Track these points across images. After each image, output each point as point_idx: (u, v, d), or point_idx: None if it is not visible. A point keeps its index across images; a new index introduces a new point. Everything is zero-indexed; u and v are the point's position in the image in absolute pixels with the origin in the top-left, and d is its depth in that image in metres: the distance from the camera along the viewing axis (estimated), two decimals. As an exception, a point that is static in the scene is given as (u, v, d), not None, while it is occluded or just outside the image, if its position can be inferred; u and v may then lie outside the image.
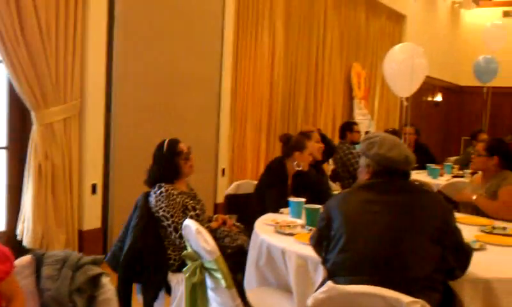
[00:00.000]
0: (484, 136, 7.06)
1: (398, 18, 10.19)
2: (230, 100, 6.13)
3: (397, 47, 4.79)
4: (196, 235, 2.38)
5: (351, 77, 8.83)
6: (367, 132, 9.02)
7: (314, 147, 4.36)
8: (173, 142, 3.21)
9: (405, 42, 10.26)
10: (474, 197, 3.76)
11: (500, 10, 13.98)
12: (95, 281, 1.98)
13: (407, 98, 4.40)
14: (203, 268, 2.45)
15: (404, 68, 4.35)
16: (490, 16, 13.83)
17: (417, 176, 5.92)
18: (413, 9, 10.66)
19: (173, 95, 5.31)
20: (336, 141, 7.03)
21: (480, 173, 4.05)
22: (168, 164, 3.16)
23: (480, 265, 2.41)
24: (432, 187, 5.48)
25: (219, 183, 6.08)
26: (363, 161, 2.36)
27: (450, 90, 13.45)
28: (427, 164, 6.06)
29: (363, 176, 2.39)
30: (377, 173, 2.26)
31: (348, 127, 6.33)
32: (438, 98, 12.71)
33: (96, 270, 2.00)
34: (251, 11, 6.28)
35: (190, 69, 5.48)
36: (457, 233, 2.23)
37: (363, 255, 2.08)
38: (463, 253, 2.21)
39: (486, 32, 7.66)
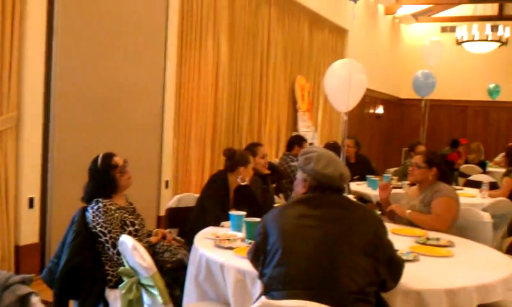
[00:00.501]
0: (421, 148, 7.29)
1: (340, 33, 10.43)
2: (174, 113, 6.10)
3: (337, 63, 4.90)
4: (132, 252, 2.35)
5: (295, 89, 8.95)
6: (311, 144, 9.17)
7: (260, 162, 4.44)
8: (108, 156, 3.17)
9: (347, 57, 10.58)
10: (408, 211, 3.86)
11: (438, 26, 14.56)
12: (23, 301, 1.92)
13: (346, 113, 4.51)
14: (140, 285, 2.42)
15: (344, 84, 4.46)
16: (429, 31, 14.39)
17: (357, 187, 6.06)
18: (354, 23, 10.93)
19: (114, 108, 5.24)
20: (281, 151, 7.11)
21: (417, 185, 4.18)
22: (103, 178, 3.11)
23: (413, 276, 2.49)
24: (371, 198, 5.64)
25: (163, 196, 6.03)
26: (299, 175, 2.40)
27: (391, 103, 13.85)
28: (367, 176, 6.19)
29: (299, 189, 2.43)
30: (313, 188, 2.31)
31: (298, 141, 6.40)
32: (380, 110, 13.06)
33: (25, 289, 1.93)
34: (194, 24, 6.28)
35: (132, 82, 5.43)
36: (389, 246, 2.29)
37: (298, 269, 2.11)
38: (395, 266, 2.27)
39: (424, 47, 7.94)
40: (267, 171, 4.59)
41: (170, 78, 5.95)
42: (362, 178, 6.39)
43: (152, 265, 2.32)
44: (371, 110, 12.70)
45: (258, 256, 2.29)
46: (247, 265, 2.46)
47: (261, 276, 2.26)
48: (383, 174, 6.93)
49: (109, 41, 5.14)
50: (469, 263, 2.91)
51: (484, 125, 14.40)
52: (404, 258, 2.79)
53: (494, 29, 10.39)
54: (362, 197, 5.79)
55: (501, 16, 13.24)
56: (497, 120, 14.26)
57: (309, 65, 9.38)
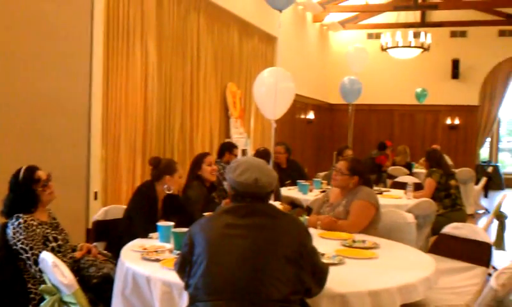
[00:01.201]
0: (349, 152, 7.49)
1: (270, 40, 10.54)
2: (101, 121, 5.95)
3: (266, 71, 4.95)
4: (52, 269, 2.27)
5: (226, 96, 8.96)
6: (244, 151, 9.21)
7: (207, 170, 4.48)
8: (30, 170, 3.06)
9: (276, 64, 10.69)
10: (319, 223, 3.92)
11: (364, 32, 15.02)
12: None
13: (275, 120, 4.56)
14: (62, 303, 2.34)
15: (272, 91, 4.50)
16: (355, 38, 14.81)
17: (288, 192, 6.14)
18: (283, 31, 11.07)
19: (36, 118, 5.04)
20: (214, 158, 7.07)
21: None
22: (24, 192, 3.00)
23: (338, 279, 2.54)
24: (302, 203, 5.72)
25: (92, 208, 5.85)
26: (226, 185, 2.41)
27: (321, 108, 14.14)
28: (298, 181, 6.28)
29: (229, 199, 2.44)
30: (235, 197, 2.32)
31: (228, 148, 6.41)
32: (311, 115, 13.29)
33: None
34: (121, 30, 6.17)
35: (55, 90, 5.25)
36: (313, 253, 2.31)
37: (222, 279, 2.11)
38: (319, 273, 2.30)
39: (348, 54, 8.16)
40: (214, 179, 4.58)
41: (96, 86, 5.80)
42: (293, 183, 6.48)
43: (73, 282, 2.25)
44: (302, 116, 12.91)
45: (184, 267, 2.27)
46: (174, 277, 2.43)
47: (187, 287, 2.24)
48: (312, 178, 7.05)
49: (30, 47, 4.95)
50: (392, 264, 3.01)
51: (410, 127, 14.97)
52: (330, 261, 2.85)
53: (416, 35, 10.82)
54: (293, 202, 5.87)
55: (423, 24, 13.81)
56: (422, 123, 14.86)
57: (240, 72, 9.42)
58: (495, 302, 2.52)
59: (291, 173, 6.91)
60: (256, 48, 10.00)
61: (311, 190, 6.17)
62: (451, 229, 3.70)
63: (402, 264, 3.04)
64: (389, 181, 8.79)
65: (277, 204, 3.37)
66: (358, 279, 2.66)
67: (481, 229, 3.62)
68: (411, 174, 9.33)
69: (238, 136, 9.21)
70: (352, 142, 14.16)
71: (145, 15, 6.58)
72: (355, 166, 4.14)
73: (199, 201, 4.15)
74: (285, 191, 6.17)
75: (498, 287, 2.47)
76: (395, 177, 8.43)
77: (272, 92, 4.48)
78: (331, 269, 2.65)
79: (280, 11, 4.42)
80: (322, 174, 7.85)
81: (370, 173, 9.60)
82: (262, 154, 6.10)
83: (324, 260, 2.82)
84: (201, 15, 7.94)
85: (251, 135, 10.03)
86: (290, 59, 11.52)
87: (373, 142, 12.02)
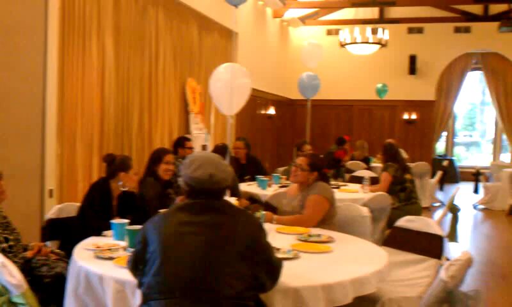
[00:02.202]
0: (307, 147, 7.55)
1: (230, 35, 10.51)
2: (57, 118, 5.82)
3: (221, 67, 4.93)
4: (0, 269, 2.22)
5: (186, 92, 8.90)
6: (204, 146, 9.18)
7: (162, 167, 4.45)
8: (-21, 169, 2.97)
9: (237, 59, 10.69)
10: (275, 217, 3.96)
11: (324, 28, 15.15)
12: None
13: (232, 116, 4.56)
14: (11, 304, 2.29)
15: (228, 87, 4.50)
16: (315, 34, 14.93)
17: (248, 187, 6.15)
18: (243, 26, 11.08)
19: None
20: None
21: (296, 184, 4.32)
22: (-27, 193, 2.92)
23: (292, 274, 2.57)
24: (260, 198, 5.74)
25: (47, 206, 5.72)
26: (180, 182, 2.40)
27: (282, 103, 14.20)
28: (257, 176, 6.30)
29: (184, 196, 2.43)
30: (189, 193, 2.31)
31: (179, 143, 6.37)
32: (271, 111, 13.34)
33: None
34: (77, 25, 6.04)
35: (8, 86, 5.11)
36: (267, 249, 2.32)
37: (176, 277, 2.10)
38: (273, 268, 2.31)
39: (303, 50, 8.21)
40: (168, 178, 4.53)
41: (51, 82, 5.67)
42: (253, 179, 6.50)
43: (22, 282, 2.20)
44: (263, 111, 12.94)
45: (137, 265, 2.25)
46: (127, 275, 2.41)
47: (140, 285, 2.22)
48: (273, 174, 7.08)
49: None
50: (346, 258, 3.06)
51: (368, 122, 15.20)
52: (286, 256, 2.88)
53: (374, 31, 10.98)
54: (252, 198, 5.89)
55: (381, 20, 14.05)
56: (380, 118, 15.11)
57: (199, 68, 9.37)
58: (445, 294, 2.58)
59: (250, 168, 6.93)
60: (216, 44, 9.96)
61: (270, 186, 6.19)
62: (404, 222, 3.78)
63: (356, 257, 3.09)
64: (347, 176, 8.91)
65: (233, 200, 3.37)
66: (312, 273, 2.69)
67: (433, 222, 3.70)
68: (369, 168, 9.48)
69: (198, 132, 9.17)
70: (312, 138, 14.34)
71: (102, 10, 6.47)
72: (315, 162, 4.21)
73: (153, 198, 4.11)
74: (244, 186, 6.18)
75: (448, 279, 2.53)
76: (354, 171, 8.54)
77: (228, 88, 4.47)
78: (286, 264, 2.67)
79: (236, 6, 4.41)
80: (281, 169, 7.90)
81: (329, 167, 9.77)
82: (220, 149, 6.09)
83: (280, 255, 2.84)
84: (159, 10, 7.86)
85: (211, 130, 10.00)
86: (251, 54, 11.53)
87: (333, 137, 12.16)
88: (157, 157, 4.49)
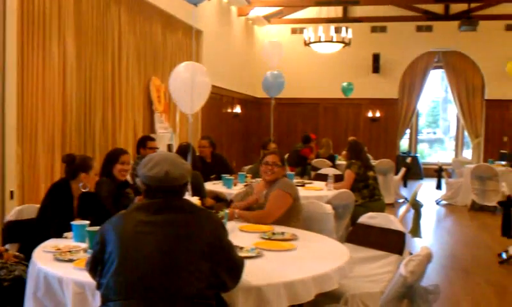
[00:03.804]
0: (273, 145, 7.58)
1: (195, 34, 10.45)
2: (17, 118, 5.70)
3: (181, 66, 4.90)
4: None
5: (150, 91, 8.82)
6: (169, 146, 9.11)
7: (117, 168, 4.39)
8: None
9: (202, 58, 10.67)
10: (237, 211, 3.98)
11: (289, 27, 15.22)
12: None
13: (192, 115, 4.53)
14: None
15: (188, 86, 4.47)
16: (280, 33, 15.00)
17: (213, 186, 6.14)
18: (208, 25, 11.05)
19: None
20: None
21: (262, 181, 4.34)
22: None
23: (255, 272, 2.57)
24: (226, 197, 5.73)
25: (8, 207, 5.59)
26: (137, 181, 2.37)
27: (248, 102, 14.22)
28: (222, 175, 6.29)
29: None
30: (147, 193, 2.29)
31: (142, 143, 6.31)
32: (238, 109, 13.33)
33: None
34: (37, 22, 5.92)
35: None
36: (228, 248, 2.31)
37: (135, 278, 2.08)
38: (234, 267, 2.30)
39: (264, 49, 8.23)
40: (123, 179, 4.47)
41: (10, 81, 5.54)
42: (219, 177, 6.48)
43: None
44: (229, 110, 12.93)
45: (96, 267, 2.22)
46: (86, 277, 2.37)
47: (99, 287, 2.19)
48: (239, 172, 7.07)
49: None
50: (309, 255, 3.08)
51: (334, 120, 15.36)
52: (248, 254, 2.89)
53: (338, 30, 11.08)
54: (217, 196, 5.88)
55: (345, 19, 14.20)
56: (346, 116, 15.28)
57: (164, 66, 9.30)
58: (405, 289, 2.63)
59: (216, 167, 6.91)
60: (180, 42, 9.90)
61: (235, 184, 6.19)
62: (366, 218, 3.83)
63: (318, 255, 3.11)
64: (313, 174, 8.98)
65: (194, 199, 3.35)
66: (275, 271, 2.70)
67: (395, 218, 3.76)
68: (334, 166, 9.58)
69: (163, 131, 9.10)
70: (279, 136, 14.44)
71: (62, 7, 6.35)
72: (282, 157, 4.35)
73: (107, 198, 4.05)
74: (210, 185, 6.17)
75: (408, 274, 2.57)
76: (319, 169, 8.61)
77: (188, 86, 4.44)
78: (249, 262, 2.68)
79: (196, 5, 4.38)
80: (247, 167, 7.91)
81: (295, 165, 9.83)
82: (184, 148, 6.05)
83: (242, 253, 2.85)
84: (122, 8, 7.76)
85: (176, 129, 9.94)
86: (216, 53, 11.50)
87: (299, 135, 12.22)
88: (113, 157, 4.44)
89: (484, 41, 14.31)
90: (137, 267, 2.09)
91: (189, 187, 3.82)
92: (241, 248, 2.96)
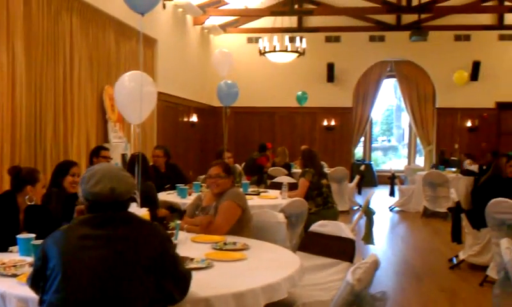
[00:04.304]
0: (228, 154, 7.59)
1: (149, 42, 10.39)
2: (-38, 128, 5.54)
3: (126, 75, 4.82)
4: None
5: (103, 99, 8.69)
6: (123, 155, 8.98)
7: (68, 180, 4.33)
8: None
9: (157, 67, 10.60)
10: (185, 226, 3.96)
11: (245, 36, 15.29)
12: None
13: (138, 125, 4.47)
14: None
15: (133, 96, 4.39)
16: (236, 42, 15.05)
17: (167, 196, 6.08)
18: (164, 33, 10.99)
19: None
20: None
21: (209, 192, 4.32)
22: None
23: (204, 283, 2.56)
24: (180, 207, 5.69)
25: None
26: (80, 196, 2.32)
27: (205, 111, 14.18)
28: (177, 185, 6.24)
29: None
30: (89, 208, 2.24)
31: (94, 153, 6.19)
32: (194, 118, 13.28)
33: None
34: (-16, 31, 5.77)
35: None
36: (175, 260, 2.29)
37: (77, 293, 2.03)
38: (181, 280, 2.28)
39: (214, 58, 8.24)
40: (74, 191, 4.39)
41: (-45, 91, 5.38)
42: (173, 187, 6.43)
43: None
44: (185, 119, 12.87)
45: (38, 282, 2.17)
46: (30, 292, 2.31)
47: (41, 303, 2.14)
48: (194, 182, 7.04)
49: None
50: (259, 265, 3.08)
51: (290, 129, 15.49)
52: (199, 265, 2.87)
53: (292, 40, 11.20)
54: (172, 206, 5.82)
55: (300, 29, 14.38)
56: (301, 124, 15.43)
57: (117, 75, 9.09)
58: (352, 296, 2.65)
59: (171, 177, 6.85)
60: (134, 51, 9.79)
61: (190, 194, 6.14)
62: (317, 227, 3.87)
63: (269, 264, 3.12)
64: (269, 182, 9.02)
65: (143, 211, 3.31)
66: (224, 281, 2.69)
67: (345, 226, 3.80)
68: (290, 174, 9.65)
69: (117, 141, 8.97)
70: (237, 145, 14.46)
71: (11, 14, 6.20)
72: (228, 167, 4.28)
73: (57, 211, 3.97)
74: (164, 195, 6.11)
75: (355, 281, 2.60)
76: (275, 177, 8.66)
77: (133, 96, 4.38)
78: (199, 273, 2.67)
79: (142, 14, 4.33)
80: (202, 177, 7.87)
81: (252, 174, 9.86)
82: (136, 159, 5.98)
83: (193, 265, 2.83)
84: (74, 15, 7.63)
85: (131, 139, 9.81)
86: (172, 61, 11.44)
87: (256, 144, 12.26)
88: (63, 168, 4.37)
89: (434, 51, 14.74)
90: (80, 283, 2.04)
91: (138, 198, 3.75)
92: (192, 259, 2.94)
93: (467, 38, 14.84)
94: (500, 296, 3.31)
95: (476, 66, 14.51)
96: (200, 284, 2.49)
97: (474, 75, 14.58)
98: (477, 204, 6.36)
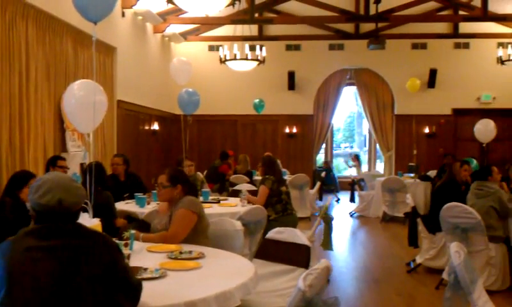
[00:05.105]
0: (188, 163, 7.57)
1: (108, 50, 10.29)
2: None
3: (75, 84, 4.77)
4: None
5: (61, 108, 8.55)
6: (81, 164, 8.85)
7: (26, 192, 4.20)
8: None
9: (116, 75, 10.50)
10: (141, 235, 3.95)
11: (206, 44, 15.30)
12: None
13: (89, 134, 4.42)
14: None
15: (83, 105, 4.35)
16: (198, 50, 15.05)
17: (125, 206, 6.03)
18: (123, 41, 10.90)
19: None
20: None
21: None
22: None
23: (157, 293, 2.56)
24: (138, 216, 5.64)
25: None
26: (28, 206, 2.30)
27: (166, 119, 14.10)
28: (135, 194, 6.18)
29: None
30: (37, 218, 2.21)
31: (51, 163, 6.10)
32: (155, 126, 13.19)
33: None
34: None
35: None
36: (125, 271, 2.29)
37: (25, 306, 2.00)
38: (131, 290, 2.28)
39: (172, 67, 8.26)
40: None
41: None
42: (132, 196, 6.37)
43: None
44: (147, 127, 12.77)
45: (-16, 295, 2.12)
46: (-24, 306, 2.27)
47: (-14, 318, 2.10)
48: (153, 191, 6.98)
49: None
50: (213, 273, 3.09)
51: (252, 137, 15.54)
52: (152, 275, 2.86)
53: (252, 48, 11.26)
54: (129, 216, 5.77)
55: (261, 37, 14.47)
56: (263, 132, 15.51)
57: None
58: (304, 303, 2.68)
59: (130, 186, 6.79)
60: (92, 59, 9.68)
61: (149, 203, 6.11)
62: (274, 234, 3.90)
63: (223, 272, 3.13)
64: (231, 189, 9.03)
65: (95, 221, 3.28)
66: (177, 291, 2.69)
67: (301, 233, 3.85)
68: (252, 181, 9.69)
69: (76, 150, 8.84)
70: (199, 153, 14.43)
71: (-37, 21, 6.07)
72: (175, 175, 4.18)
73: (12, 222, 3.90)
74: (122, 205, 6.05)
75: (306, 288, 2.63)
76: (236, 185, 8.68)
77: (83, 105, 4.34)
78: (152, 283, 2.66)
79: (95, 23, 4.30)
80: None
81: (213, 182, 9.86)
82: (91, 168, 5.92)
83: (146, 275, 2.83)
84: (29, 23, 7.50)
85: (91, 148, 9.68)
86: (132, 69, 11.35)
87: (219, 152, 12.26)
88: (21, 180, 4.29)
89: (392, 59, 15.04)
90: (27, 295, 2.01)
91: (90, 209, 3.70)
92: (145, 269, 2.93)
93: (424, 46, 15.20)
94: (451, 299, 3.40)
95: (433, 73, 14.86)
96: (153, 294, 2.48)
97: (431, 83, 14.92)
98: (432, 208, 6.52)
